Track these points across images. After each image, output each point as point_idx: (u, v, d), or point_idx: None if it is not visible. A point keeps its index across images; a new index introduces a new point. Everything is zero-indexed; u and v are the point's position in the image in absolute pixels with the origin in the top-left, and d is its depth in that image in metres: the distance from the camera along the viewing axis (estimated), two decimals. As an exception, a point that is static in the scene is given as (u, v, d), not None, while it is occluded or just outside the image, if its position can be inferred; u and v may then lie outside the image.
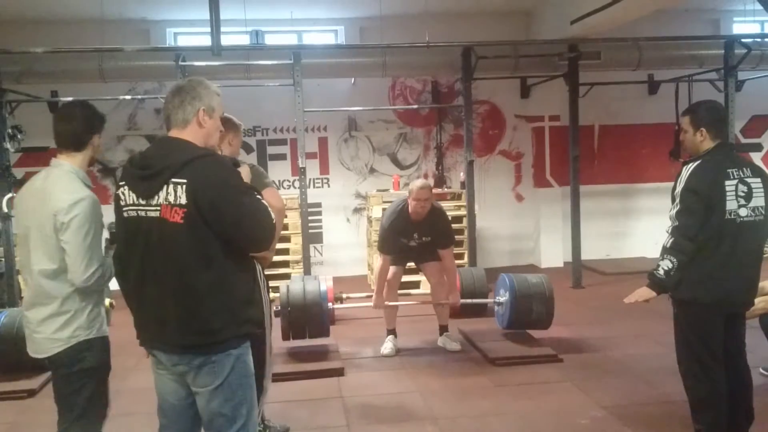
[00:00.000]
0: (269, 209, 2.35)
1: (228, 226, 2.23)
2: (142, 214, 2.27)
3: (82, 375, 2.63)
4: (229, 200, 2.23)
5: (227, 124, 3.56)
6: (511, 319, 5.32)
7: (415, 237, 5.10)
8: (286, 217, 7.74)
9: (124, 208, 2.32)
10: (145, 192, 2.26)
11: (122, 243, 2.40)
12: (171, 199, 2.21)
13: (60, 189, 2.58)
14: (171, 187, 2.21)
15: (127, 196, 2.31)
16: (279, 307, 4.98)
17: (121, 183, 2.35)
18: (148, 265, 2.29)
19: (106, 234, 2.78)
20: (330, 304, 5.22)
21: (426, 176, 9.07)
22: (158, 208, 2.23)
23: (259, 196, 2.38)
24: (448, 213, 8.07)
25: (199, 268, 2.23)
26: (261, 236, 2.34)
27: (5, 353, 4.81)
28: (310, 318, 4.97)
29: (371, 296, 5.28)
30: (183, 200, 2.19)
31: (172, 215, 2.21)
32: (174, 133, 2.36)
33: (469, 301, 5.81)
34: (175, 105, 2.35)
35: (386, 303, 5.25)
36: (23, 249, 2.70)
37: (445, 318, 5.44)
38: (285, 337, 5.06)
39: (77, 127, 2.67)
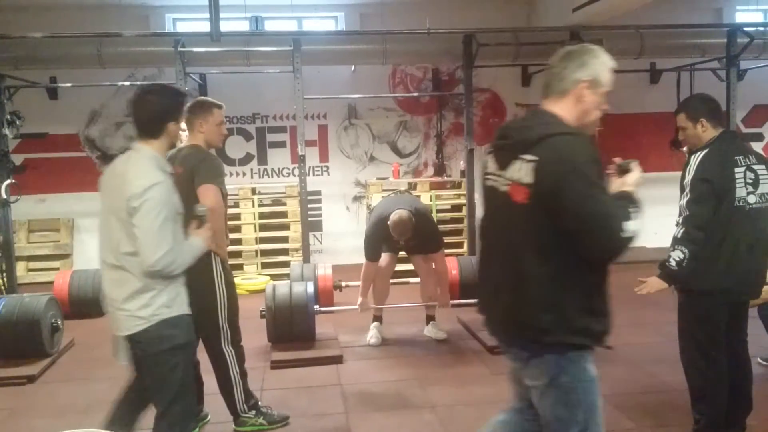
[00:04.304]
0: (625, 217, 2.00)
1: (568, 218, 1.97)
2: (496, 185, 2.17)
3: (174, 353, 2.62)
4: (575, 190, 1.95)
5: (194, 108, 3.48)
6: None
7: (401, 244, 5.06)
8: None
9: (486, 175, 2.25)
10: (501, 163, 2.14)
11: (484, 210, 2.33)
12: (519, 175, 2.04)
13: (134, 174, 2.55)
14: (521, 163, 2.04)
15: (491, 163, 2.23)
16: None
17: (490, 149, 2.28)
18: (494, 241, 2.20)
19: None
20: (316, 307, 5.21)
21: (426, 165, 9.06)
22: (508, 182, 2.09)
23: (612, 197, 2.07)
24: (448, 202, 8.16)
25: (535, 258, 2.03)
26: (602, 244, 2.00)
27: (5, 340, 4.82)
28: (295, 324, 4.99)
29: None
30: (529, 179, 2.00)
31: (517, 194, 2.05)
32: (547, 104, 2.17)
33: (458, 302, 5.60)
34: (556, 72, 2.15)
35: (373, 306, 5.29)
36: (102, 230, 2.69)
37: (433, 309, 5.44)
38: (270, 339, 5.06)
39: (150, 115, 2.63)
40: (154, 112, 2.64)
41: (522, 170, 2.03)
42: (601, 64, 2.15)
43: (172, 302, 2.62)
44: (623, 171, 2.21)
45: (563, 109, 2.13)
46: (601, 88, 2.15)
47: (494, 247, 2.20)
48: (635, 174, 2.20)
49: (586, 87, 2.12)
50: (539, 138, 2.02)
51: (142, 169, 2.56)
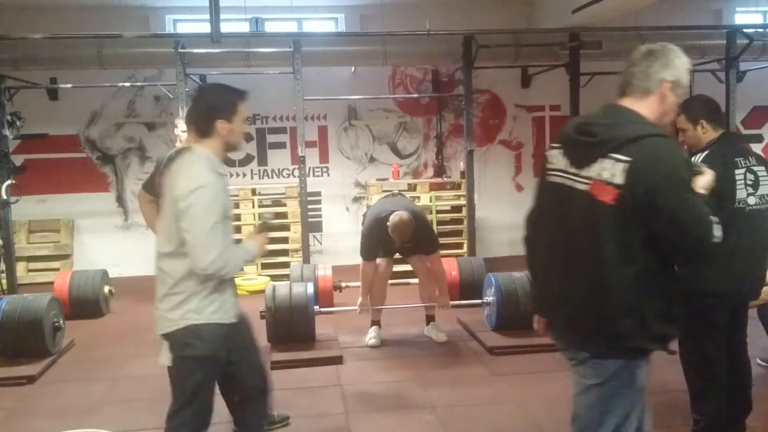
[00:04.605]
0: (712, 222, 1.99)
1: (661, 222, 1.94)
2: (569, 183, 2.08)
3: (192, 361, 2.58)
4: (672, 193, 1.93)
5: None
6: (499, 318, 5.26)
7: (397, 245, 5.09)
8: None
9: (550, 172, 2.17)
10: (579, 160, 2.06)
11: (539, 208, 2.27)
12: (606, 175, 1.97)
13: (183, 175, 2.52)
14: (609, 162, 1.97)
15: (558, 159, 2.15)
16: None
17: (554, 144, 2.21)
18: (562, 239, 2.11)
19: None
20: (316, 308, 5.21)
21: (426, 166, 9.07)
22: (588, 181, 2.02)
23: (701, 202, 2.03)
24: (448, 203, 8.16)
25: (619, 260, 1.98)
26: (694, 248, 1.99)
27: (8, 339, 4.83)
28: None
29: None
30: (619, 180, 1.95)
31: (602, 193, 1.97)
32: (627, 102, 2.12)
33: (458, 302, 5.65)
34: (639, 70, 2.11)
35: (372, 307, 5.29)
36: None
37: (432, 309, 5.45)
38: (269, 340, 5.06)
39: (198, 112, 2.61)
40: (201, 110, 2.61)
41: (611, 170, 1.97)
42: (683, 65, 2.13)
43: (203, 309, 2.56)
44: (694, 174, 2.17)
45: (645, 108, 2.10)
46: (681, 90, 2.14)
47: (561, 246, 2.12)
48: (707, 177, 2.18)
49: (670, 88, 2.11)
50: (632, 138, 1.97)
51: (191, 170, 2.53)
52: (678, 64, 2.12)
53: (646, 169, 1.93)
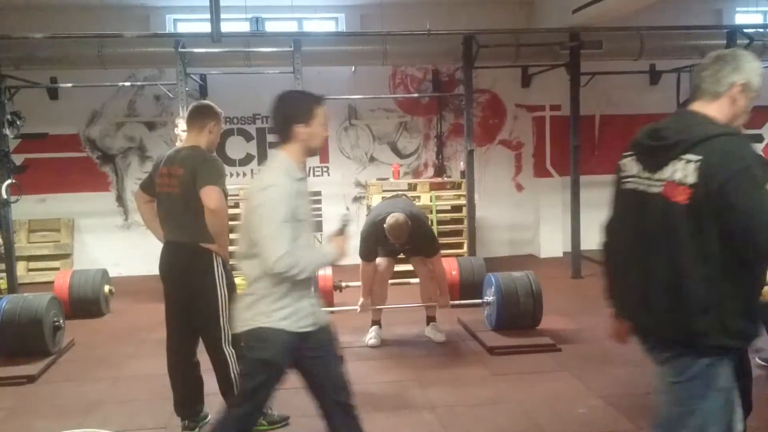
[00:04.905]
0: None
1: (734, 218, 1.96)
2: (643, 188, 2.14)
3: (255, 363, 2.60)
4: (743, 190, 1.95)
5: (207, 111, 3.58)
6: (500, 318, 5.26)
7: (397, 247, 5.12)
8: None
9: (624, 179, 2.23)
10: (651, 165, 2.12)
11: (616, 215, 2.32)
12: (678, 176, 2.02)
13: (257, 177, 2.65)
14: (681, 163, 2.02)
15: (631, 166, 2.21)
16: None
17: (627, 153, 2.26)
18: (639, 243, 2.15)
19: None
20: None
21: (426, 165, 9.07)
22: (662, 183, 2.07)
23: None
24: (448, 203, 8.16)
25: (695, 259, 2.00)
26: (765, 244, 1.96)
27: (8, 338, 4.84)
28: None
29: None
30: (692, 179, 1.99)
31: (675, 194, 2.02)
32: (698, 106, 2.17)
33: (458, 302, 5.66)
34: (709, 74, 2.16)
35: (373, 307, 5.30)
36: None
37: (433, 310, 5.46)
38: None
39: (277, 120, 2.66)
40: (280, 116, 2.66)
41: (683, 170, 2.01)
42: (753, 69, 2.17)
43: (272, 313, 2.54)
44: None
45: (715, 110, 2.14)
46: (752, 93, 2.17)
47: (639, 249, 2.16)
48: None
49: (740, 90, 2.14)
50: (702, 138, 2.02)
51: (265, 173, 2.64)
52: (748, 68, 2.15)
53: (718, 167, 1.96)
